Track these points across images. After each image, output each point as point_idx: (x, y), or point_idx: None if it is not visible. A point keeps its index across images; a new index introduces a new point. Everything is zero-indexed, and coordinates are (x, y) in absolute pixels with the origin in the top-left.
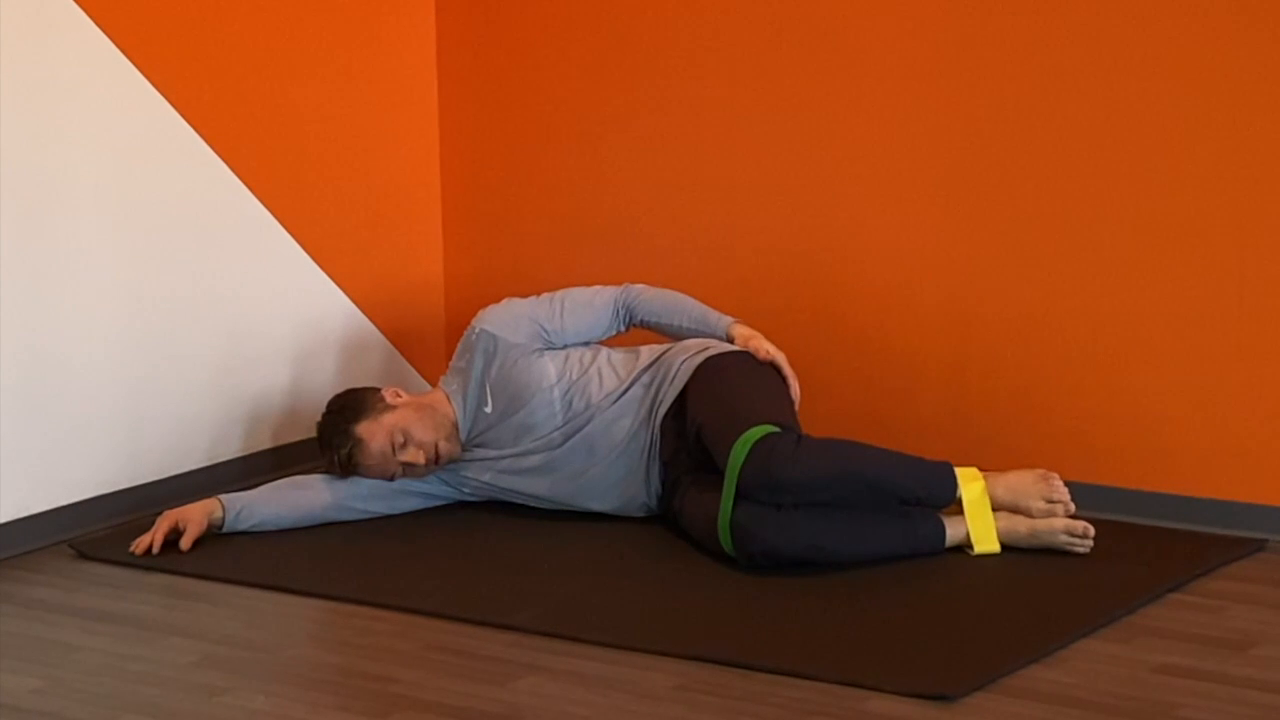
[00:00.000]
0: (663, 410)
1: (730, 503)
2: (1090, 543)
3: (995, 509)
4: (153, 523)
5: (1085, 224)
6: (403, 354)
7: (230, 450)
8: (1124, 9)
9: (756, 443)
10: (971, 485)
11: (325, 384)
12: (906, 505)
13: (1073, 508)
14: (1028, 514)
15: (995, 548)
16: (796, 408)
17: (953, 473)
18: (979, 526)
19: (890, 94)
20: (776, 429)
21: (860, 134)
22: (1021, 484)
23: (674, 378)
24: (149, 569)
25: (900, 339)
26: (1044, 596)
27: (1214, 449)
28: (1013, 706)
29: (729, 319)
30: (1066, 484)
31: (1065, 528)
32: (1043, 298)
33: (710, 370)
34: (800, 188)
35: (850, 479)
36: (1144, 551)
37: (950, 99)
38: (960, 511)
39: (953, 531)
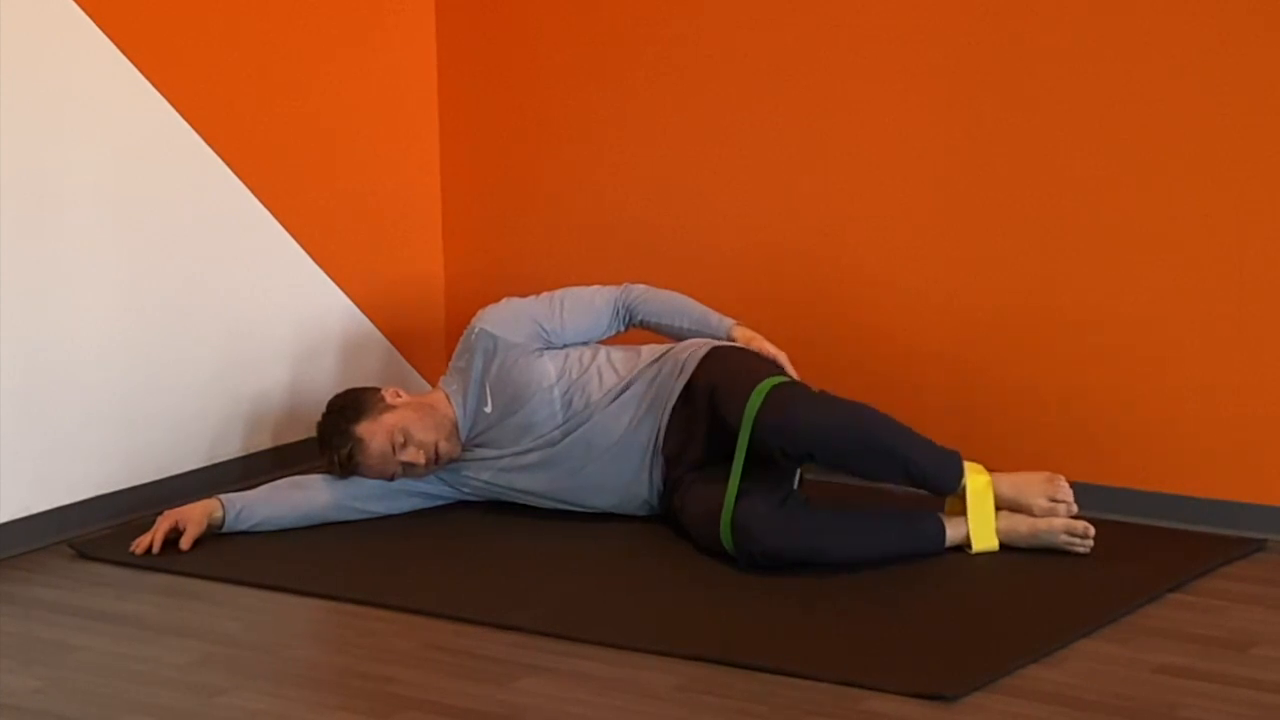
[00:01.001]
0: (671, 402)
1: (736, 487)
2: (1090, 543)
3: (998, 505)
4: (153, 523)
5: (1087, 224)
6: (403, 354)
7: (230, 450)
8: (1128, 4)
9: (774, 387)
10: (976, 477)
11: (325, 384)
12: (911, 481)
13: (1075, 510)
14: (1029, 512)
15: (993, 544)
16: None
17: (961, 461)
18: (979, 521)
19: (892, 90)
20: (791, 380)
21: (863, 131)
22: (1027, 482)
23: (681, 369)
24: (149, 569)
25: (901, 337)
26: (1044, 596)
27: (1214, 449)
28: (1013, 706)
29: (730, 321)
30: (1068, 484)
31: (1065, 527)
32: (1044, 298)
33: (719, 353)
34: (801, 185)
35: (864, 436)
36: (1144, 551)
37: (952, 95)
38: (962, 511)
39: (953, 532)
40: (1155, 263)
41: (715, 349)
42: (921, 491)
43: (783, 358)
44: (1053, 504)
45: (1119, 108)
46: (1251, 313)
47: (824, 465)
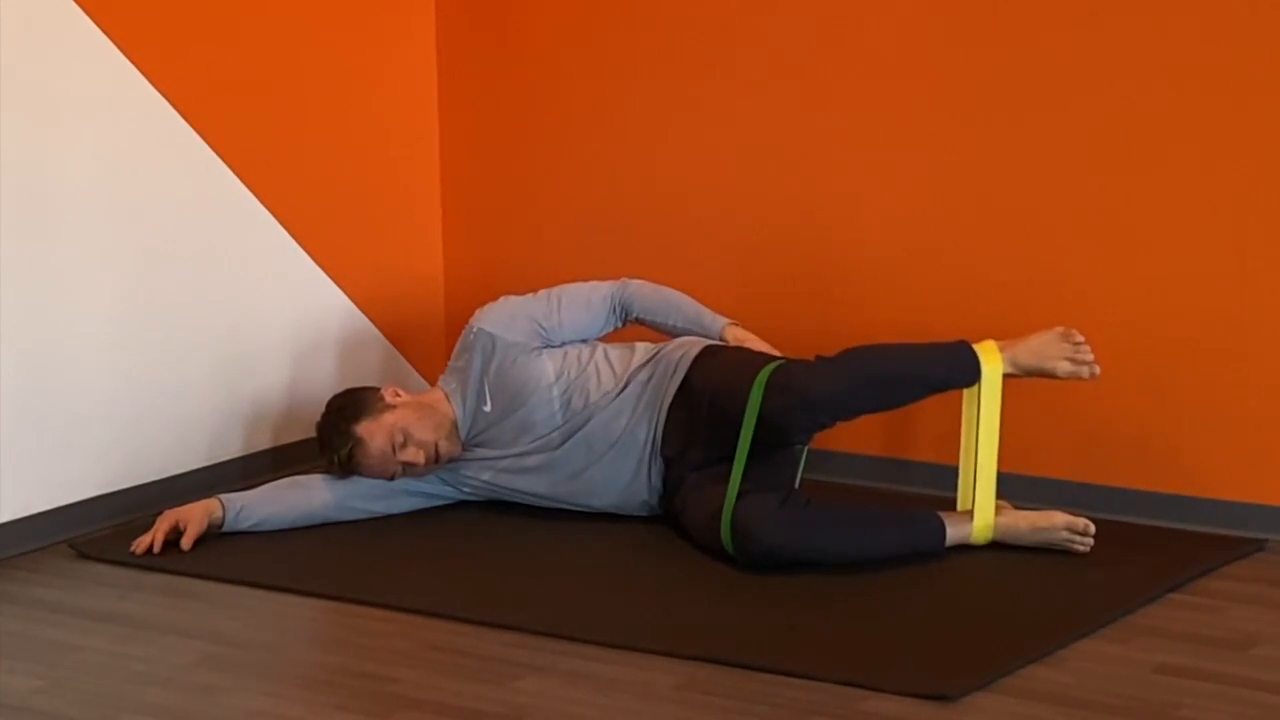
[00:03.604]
0: (666, 403)
1: (736, 487)
2: (1090, 540)
3: (1020, 374)
4: (153, 523)
5: (1087, 223)
6: (402, 353)
7: (230, 450)
8: None
9: (774, 372)
10: (991, 361)
11: (325, 383)
12: (935, 391)
13: (1098, 370)
14: (1053, 375)
15: (990, 519)
16: None
17: (971, 351)
18: (983, 505)
19: (890, 82)
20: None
21: (864, 127)
22: (1044, 345)
23: (674, 370)
24: (149, 569)
25: (902, 326)
26: (1044, 596)
27: (1214, 449)
28: (1013, 706)
29: (724, 320)
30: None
31: (1066, 524)
32: (1044, 298)
33: (709, 353)
34: (801, 180)
35: (874, 381)
36: (1144, 551)
37: (950, 85)
38: (969, 509)
39: (953, 531)
40: (1155, 260)
41: (706, 349)
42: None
43: (775, 355)
44: (1075, 366)
45: (1119, 97)
46: (1252, 311)
47: (851, 419)
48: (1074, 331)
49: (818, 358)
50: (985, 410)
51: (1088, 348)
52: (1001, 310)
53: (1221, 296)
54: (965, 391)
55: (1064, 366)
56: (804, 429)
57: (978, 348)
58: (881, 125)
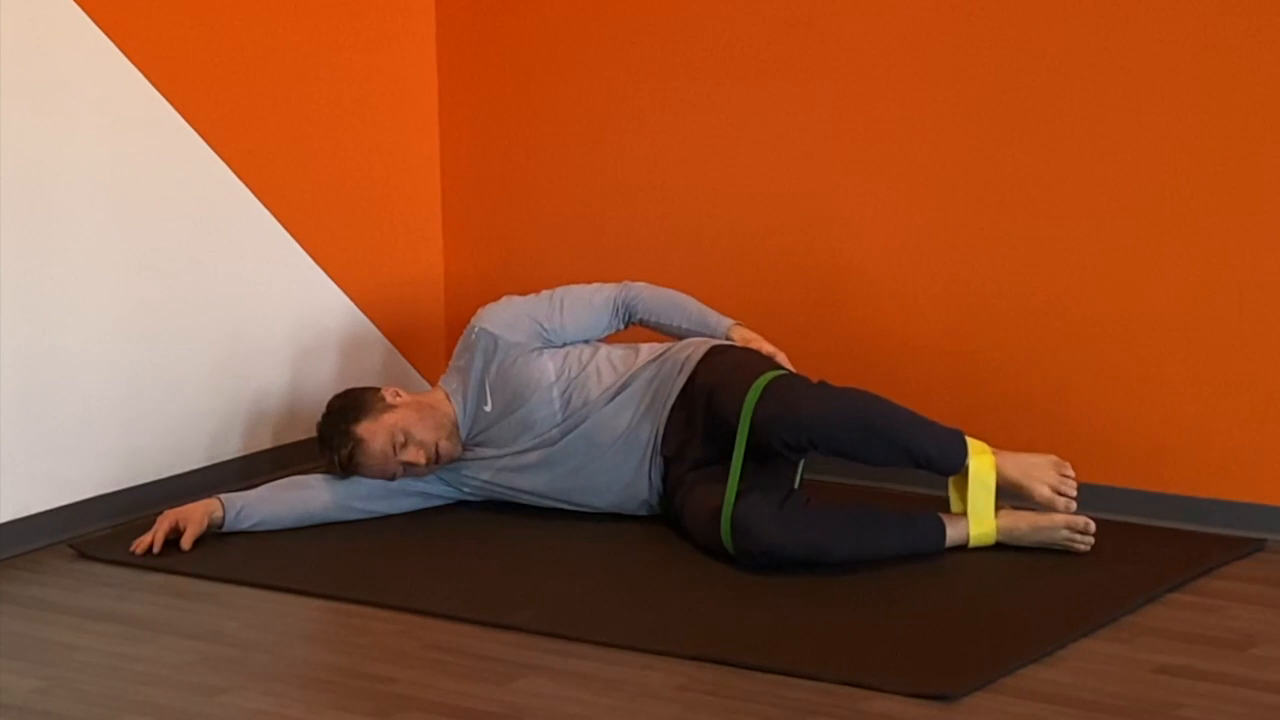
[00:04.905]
0: (670, 401)
1: (735, 487)
2: (1091, 539)
3: (1001, 486)
4: (153, 523)
5: (1087, 222)
6: (402, 353)
7: (230, 450)
8: (1129, 6)
9: (771, 381)
10: (980, 459)
11: (325, 383)
12: (915, 464)
13: (1074, 507)
14: (1030, 496)
15: (990, 531)
16: None
17: (964, 440)
18: (978, 513)
19: (892, 87)
20: (789, 373)
21: (864, 128)
22: (1033, 467)
23: (680, 368)
24: (149, 569)
25: (899, 334)
26: (1044, 596)
27: (1214, 449)
28: (1013, 706)
29: (729, 321)
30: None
31: (1066, 523)
32: (1043, 296)
33: (717, 352)
34: (802, 182)
35: (864, 424)
36: (1144, 551)
37: (951, 87)
38: (963, 511)
39: (953, 532)
40: (1155, 260)
41: (714, 348)
42: (927, 472)
43: (781, 356)
44: (1054, 496)
45: (1119, 104)
46: (1251, 311)
47: (826, 454)
48: (1067, 465)
49: (821, 382)
50: (974, 501)
51: (1074, 484)
52: (1002, 312)
53: (1221, 297)
54: (951, 480)
55: (1043, 492)
56: (784, 443)
57: (970, 443)
58: (884, 130)
